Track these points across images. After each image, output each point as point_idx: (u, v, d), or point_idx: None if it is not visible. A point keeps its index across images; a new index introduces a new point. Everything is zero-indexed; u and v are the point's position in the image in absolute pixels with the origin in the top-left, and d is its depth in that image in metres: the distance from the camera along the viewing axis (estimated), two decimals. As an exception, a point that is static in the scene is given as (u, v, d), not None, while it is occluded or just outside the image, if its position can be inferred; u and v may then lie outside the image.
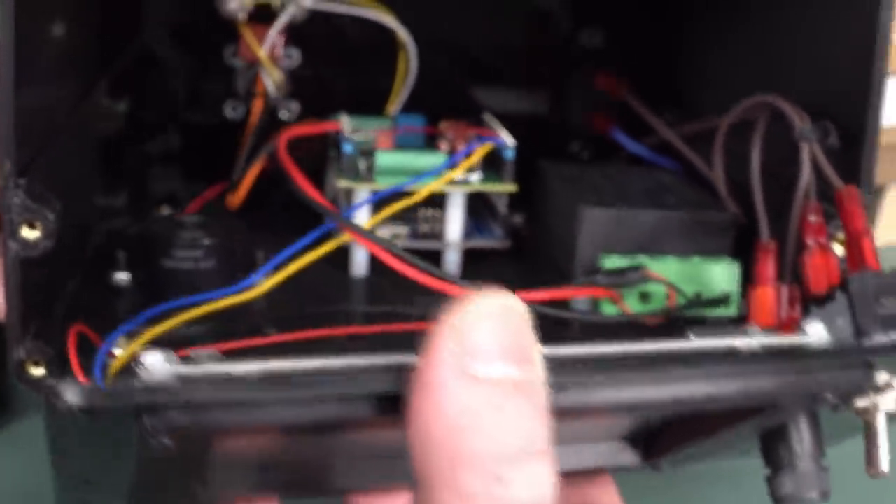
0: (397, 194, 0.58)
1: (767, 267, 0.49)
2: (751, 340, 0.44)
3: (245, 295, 0.49)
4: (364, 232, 0.52)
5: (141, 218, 0.65)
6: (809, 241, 0.47)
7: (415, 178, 0.58)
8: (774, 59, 0.58)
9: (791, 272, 0.48)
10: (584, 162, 0.71)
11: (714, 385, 0.40)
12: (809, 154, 0.50)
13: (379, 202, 0.59)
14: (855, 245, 0.47)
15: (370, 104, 0.69)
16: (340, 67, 0.72)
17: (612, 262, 0.54)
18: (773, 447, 0.46)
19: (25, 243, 0.45)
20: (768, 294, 0.48)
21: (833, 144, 0.50)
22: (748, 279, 0.54)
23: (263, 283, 0.50)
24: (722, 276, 0.54)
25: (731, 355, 0.41)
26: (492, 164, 0.60)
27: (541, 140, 0.71)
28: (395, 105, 0.66)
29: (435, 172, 0.57)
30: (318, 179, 0.62)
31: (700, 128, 0.61)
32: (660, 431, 0.46)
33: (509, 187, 0.59)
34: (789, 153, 0.50)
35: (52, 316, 0.51)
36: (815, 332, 0.46)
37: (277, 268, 0.50)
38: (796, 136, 0.50)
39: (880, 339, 0.44)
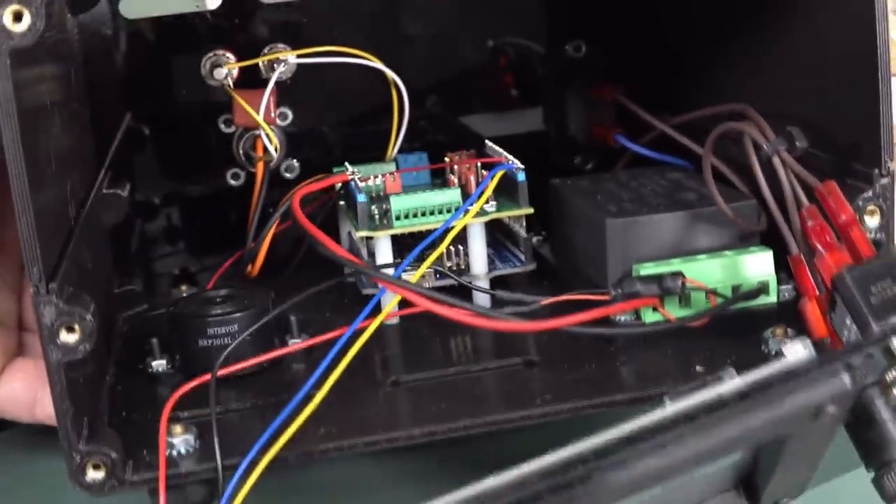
0: (418, 235, 0.57)
1: (807, 279, 0.48)
2: (734, 383, 0.42)
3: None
4: (402, 283, 0.51)
5: (159, 300, 0.64)
6: (817, 246, 0.47)
7: (434, 218, 0.57)
8: (759, 60, 0.58)
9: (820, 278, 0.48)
10: (591, 173, 0.70)
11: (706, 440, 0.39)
12: (782, 165, 0.50)
13: (400, 245, 0.59)
14: (846, 238, 0.46)
15: (367, 147, 0.68)
16: (332, 116, 0.71)
17: (647, 269, 0.53)
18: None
19: (67, 348, 0.44)
20: (815, 306, 0.47)
21: (801, 148, 0.50)
22: (781, 266, 0.54)
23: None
24: (756, 264, 0.53)
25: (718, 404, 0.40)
26: (504, 190, 0.59)
27: (542, 157, 0.71)
28: (394, 146, 0.65)
29: (462, 211, 0.56)
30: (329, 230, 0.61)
31: (693, 117, 0.61)
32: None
33: (526, 210, 0.59)
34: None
35: (98, 413, 0.49)
36: (794, 353, 0.45)
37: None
38: (766, 153, 0.50)
39: (875, 329, 0.43)
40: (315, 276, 0.59)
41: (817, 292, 0.48)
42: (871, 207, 0.49)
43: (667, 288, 0.51)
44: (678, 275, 0.52)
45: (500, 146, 0.63)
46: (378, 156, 0.66)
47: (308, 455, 0.46)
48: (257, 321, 0.53)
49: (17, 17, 0.42)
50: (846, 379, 0.37)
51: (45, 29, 0.41)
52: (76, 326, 0.44)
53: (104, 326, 0.51)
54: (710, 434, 0.37)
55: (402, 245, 0.59)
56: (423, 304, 0.49)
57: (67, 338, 0.44)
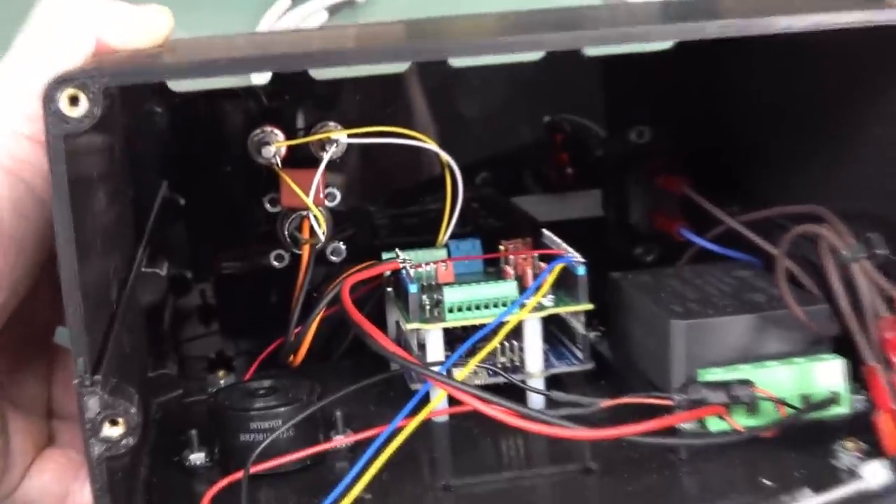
0: (470, 327, 0.59)
1: (881, 391, 0.49)
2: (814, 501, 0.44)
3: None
4: (451, 382, 0.52)
5: (195, 385, 0.65)
6: (893, 359, 0.48)
7: (489, 311, 0.59)
8: (836, 155, 0.60)
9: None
10: (652, 266, 0.71)
11: None
12: (862, 273, 0.51)
13: (451, 336, 0.60)
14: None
15: (416, 229, 0.71)
16: (380, 196, 0.73)
17: (714, 375, 0.54)
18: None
19: (110, 442, 0.45)
20: (890, 420, 0.48)
21: (882, 255, 0.51)
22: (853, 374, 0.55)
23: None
24: (828, 373, 0.55)
25: None
26: (562, 283, 0.61)
27: (600, 246, 0.72)
28: (446, 232, 0.67)
29: (517, 305, 0.58)
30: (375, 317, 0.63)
31: (764, 216, 0.63)
32: None
33: (586, 306, 0.60)
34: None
35: (135, 511, 0.51)
36: (872, 474, 0.46)
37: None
38: (844, 259, 0.52)
39: None
40: (360, 365, 0.61)
41: (893, 406, 0.49)
42: (941, 317, 0.51)
43: (735, 396, 0.53)
44: (747, 383, 0.53)
45: (556, 232, 0.64)
46: (428, 239, 0.67)
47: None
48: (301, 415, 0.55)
49: (74, 101, 0.44)
50: None
51: (102, 115, 0.43)
52: (120, 420, 0.45)
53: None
54: None
55: (453, 336, 0.61)
56: (474, 406, 0.51)
57: (111, 431, 0.45)
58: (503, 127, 0.77)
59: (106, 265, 0.53)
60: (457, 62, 0.67)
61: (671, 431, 0.54)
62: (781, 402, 0.53)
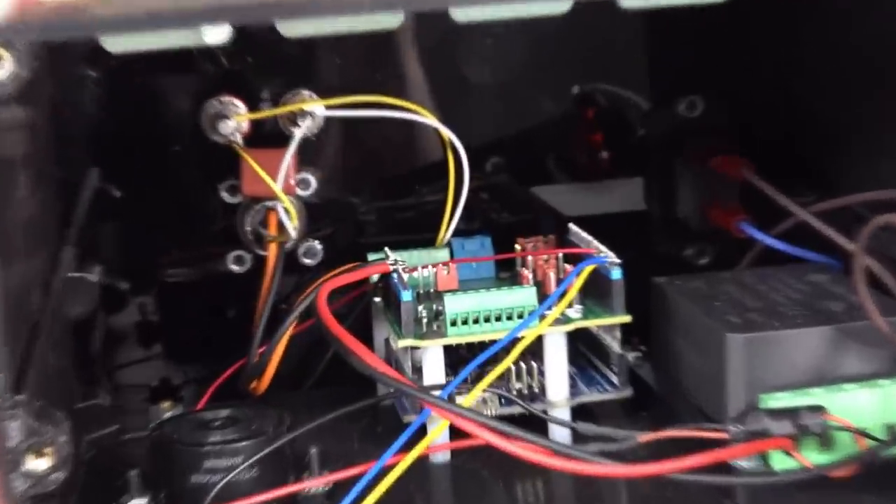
0: (477, 345, 0.61)
1: None
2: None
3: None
4: (456, 408, 0.54)
5: (134, 419, 0.67)
6: None
7: (501, 325, 0.60)
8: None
9: None
10: (705, 269, 0.73)
11: None
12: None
13: (453, 357, 0.62)
14: None
15: (411, 226, 0.73)
16: (366, 184, 0.75)
17: (779, 400, 0.57)
18: None
19: (35, 477, 0.48)
20: None
21: None
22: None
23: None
24: (919, 399, 0.57)
25: None
26: (593, 290, 0.63)
27: (643, 247, 0.74)
28: (448, 228, 0.69)
29: (536, 316, 0.60)
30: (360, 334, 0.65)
31: (841, 204, 0.64)
32: None
33: (621, 318, 0.62)
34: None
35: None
36: None
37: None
38: None
39: None
40: (340, 394, 0.63)
41: None
42: None
43: (803, 426, 0.54)
44: (818, 409, 0.55)
45: (587, 229, 0.66)
46: (426, 238, 0.69)
47: None
48: (268, 452, 0.56)
49: (-5, 61, 0.46)
50: None
51: (29, 78, 0.46)
52: (47, 450, 0.48)
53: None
54: None
55: (457, 356, 0.62)
56: (484, 437, 0.52)
57: (36, 464, 0.48)
58: (521, 98, 0.78)
59: (28, 266, 0.55)
60: (461, 14, 0.69)
61: (725, 469, 0.56)
62: (861, 433, 0.55)
